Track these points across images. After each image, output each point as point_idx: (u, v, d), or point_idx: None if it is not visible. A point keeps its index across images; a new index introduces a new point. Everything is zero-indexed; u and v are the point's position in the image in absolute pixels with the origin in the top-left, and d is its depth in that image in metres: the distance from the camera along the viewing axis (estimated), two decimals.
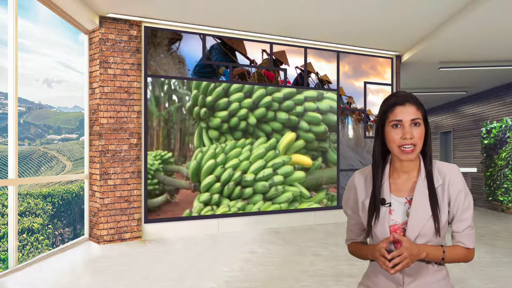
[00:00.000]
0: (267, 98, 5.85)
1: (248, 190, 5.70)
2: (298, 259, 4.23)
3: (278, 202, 5.89)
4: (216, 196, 5.50)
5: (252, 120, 5.73)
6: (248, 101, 5.72)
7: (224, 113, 5.58)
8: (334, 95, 6.36)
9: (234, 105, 5.64)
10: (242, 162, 5.64)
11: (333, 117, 6.34)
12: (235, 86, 5.64)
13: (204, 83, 5.47)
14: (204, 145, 5.45)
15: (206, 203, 5.45)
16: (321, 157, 6.24)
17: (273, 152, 5.84)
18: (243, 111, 5.69)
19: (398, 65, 6.83)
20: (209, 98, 5.49)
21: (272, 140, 5.85)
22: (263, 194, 5.79)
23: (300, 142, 6.06)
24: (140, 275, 3.67)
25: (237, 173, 5.61)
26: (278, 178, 5.87)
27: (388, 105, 1.25)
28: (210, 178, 5.46)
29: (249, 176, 5.68)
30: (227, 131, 5.59)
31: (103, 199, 4.92)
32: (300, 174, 6.04)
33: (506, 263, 4.11)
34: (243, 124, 5.69)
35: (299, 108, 6.07)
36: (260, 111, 5.81)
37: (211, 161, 5.46)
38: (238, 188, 5.63)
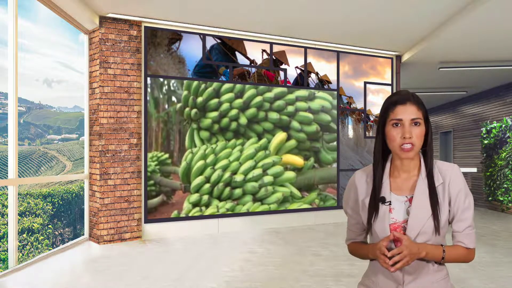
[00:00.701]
0: (258, 98, 5.81)
1: (238, 191, 5.65)
2: (298, 259, 4.23)
3: (267, 202, 5.84)
4: (205, 197, 5.46)
5: (243, 120, 5.70)
6: (239, 101, 5.68)
7: (215, 114, 5.53)
8: (326, 95, 6.31)
9: (225, 106, 5.59)
10: (232, 162, 5.60)
11: (325, 117, 6.29)
12: (225, 86, 5.60)
13: (195, 83, 5.43)
14: (195, 146, 5.43)
15: (196, 204, 5.41)
16: (314, 157, 6.19)
17: (263, 152, 5.79)
18: (234, 112, 5.64)
19: (398, 65, 6.83)
20: (199, 99, 5.45)
21: (263, 141, 5.81)
22: (253, 195, 5.75)
23: (292, 142, 6.02)
24: (140, 275, 3.67)
25: (227, 174, 5.57)
26: (268, 179, 5.82)
27: (389, 104, 1.27)
28: (199, 179, 5.43)
29: (238, 177, 5.64)
30: (218, 132, 5.55)
31: (103, 199, 4.92)
32: (290, 174, 5.99)
33: (506, 263, 4.11)
34: (234, 124, 5.65)
35: (290, 108, 6.02)
36: (251, 111, 5.77)
37: (201, 162, 5.42)
38: (227, 189, 5.59)
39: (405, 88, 8.50)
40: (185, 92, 5.39)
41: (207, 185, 5.47)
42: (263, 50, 5.94)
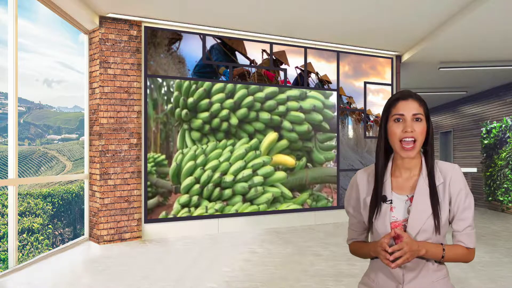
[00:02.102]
0: (249, 98, 5.76)
1: (228, 192, 5.62)
2: (298, 259, 4.23)
3: (257, 203, 5.80)
4: (195, 198, 5.42)
5: (234, 120, 5.65)
6: (229, 101, 5.64)
7: (205, 114, 5.50)
8: (318, 94, 6.26)
9: (216, 106, 5.55)
10: (222, 163, 5.56)
11: (317, 116, 6.23)
12: (216, 86, 5.56)
13: (186, 84, 5.38)
14: (186, 147, 5.39)
15: (185, 205, 5.38)
16: (306, 157, 6.15)
17: (254, 152, 5.74)
18: (224, 112, 5.60)
19: (398, 65, 6.84)
20: (190, 100, 5.42)
21: (254, 141, 5.77)
22: (243, 195, 5.71)
23: (284, 142, 5.97)
24: (140, 275, 3.67)
25: (217, 175, 5.53)
26: (257, 179, 5.77)
27: (392, 101, 1.29)
28: (189, 180, 5.39)
29: (228, 178, 5.61)
30: (209, 132, 5.51)
31: (103, 199, 4.92)
32: (280, 174, 5.94)
33: (506, 263, 4.11)
34: (225, 125, 5.60)
35: (281, 108, 5.98)
36: (242, 111, 5.72)
37: (191, 163, 5.39)
38: (217, 190, 5.55)
39: (405, 88, 8.50)
40: (176, 93, 5.36)
41: (196, 186, 5.43)
42: (263, 50, 5.94)
